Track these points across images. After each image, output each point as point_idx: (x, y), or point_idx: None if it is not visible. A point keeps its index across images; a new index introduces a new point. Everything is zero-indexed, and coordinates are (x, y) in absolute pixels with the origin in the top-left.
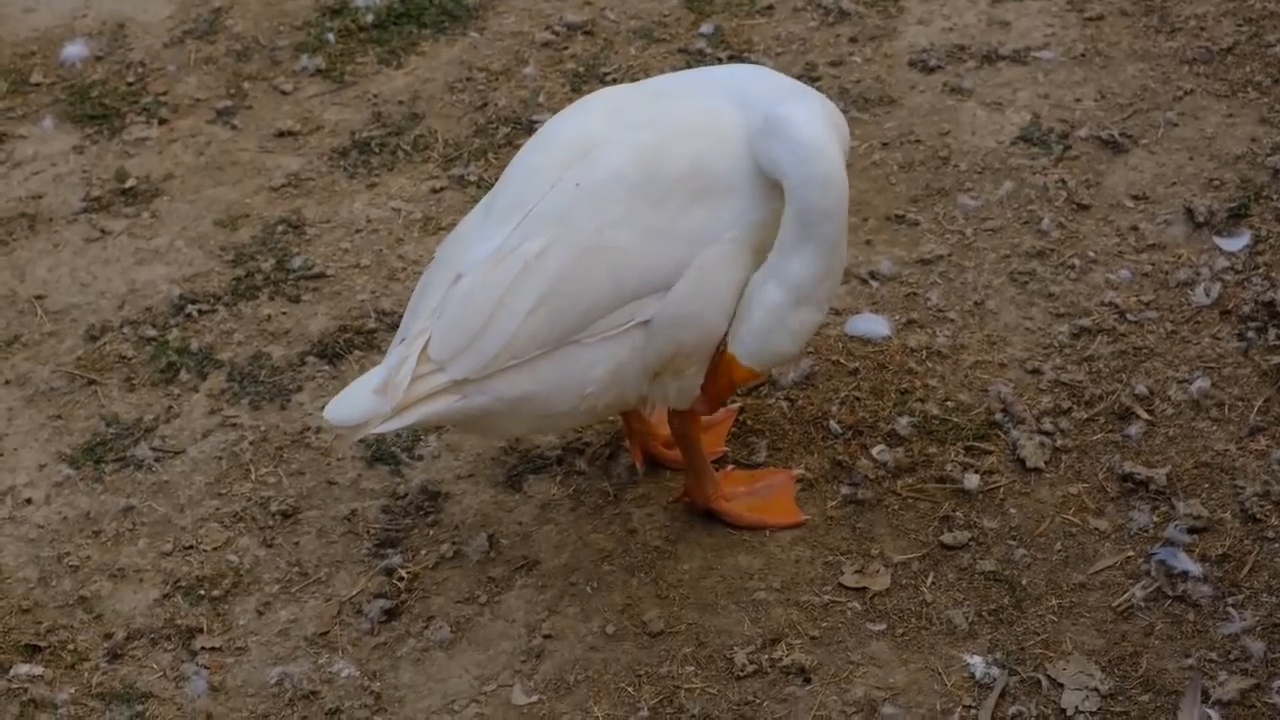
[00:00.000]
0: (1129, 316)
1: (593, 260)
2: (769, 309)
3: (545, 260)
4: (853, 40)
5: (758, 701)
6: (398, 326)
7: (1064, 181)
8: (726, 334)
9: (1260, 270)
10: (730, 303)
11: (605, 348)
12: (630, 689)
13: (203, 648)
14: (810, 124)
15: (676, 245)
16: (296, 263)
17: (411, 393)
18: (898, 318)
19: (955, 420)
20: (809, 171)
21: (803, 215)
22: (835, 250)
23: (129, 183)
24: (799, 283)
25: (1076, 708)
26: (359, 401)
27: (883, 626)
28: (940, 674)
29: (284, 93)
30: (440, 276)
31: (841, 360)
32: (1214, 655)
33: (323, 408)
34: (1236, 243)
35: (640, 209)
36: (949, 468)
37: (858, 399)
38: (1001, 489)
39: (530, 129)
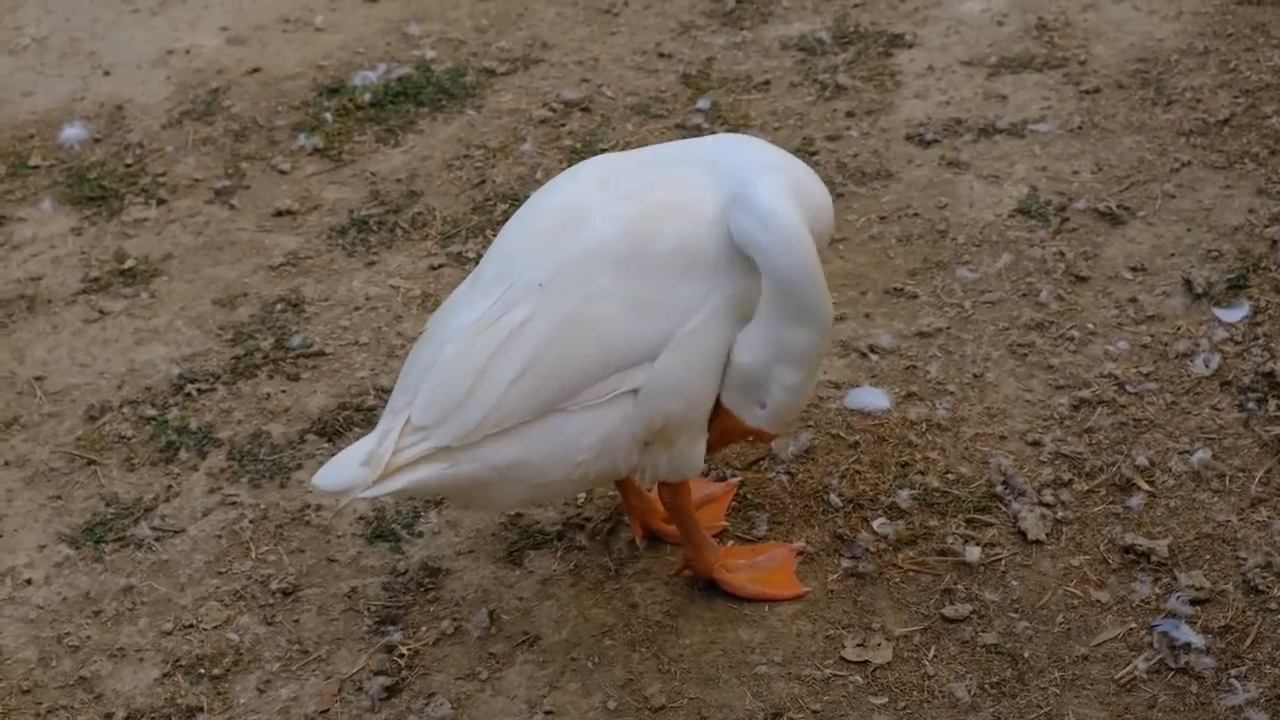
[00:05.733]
0: (1129, 388)
1: (578, 329)
2: (794, 390)
3: (529, 328)
4: (849, 114)
5: None
6: None
7: (1062, 253)
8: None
9: (1260, 341)
10: (714, 372)
11: (595, 416)
12: None
13: None
14: (772, 194)
15: (666, 317)
16: (295, 341)
17: (396, 460)
18: (897, 390)
19: (956, 493)
20: (772, 237)
21: (781, 285)
22: (822, 314)
23: (128, 263)
24: (807, 355)
25: None
26: (346, 469)
27: (885, 700)
28: None
29: (282, 172)
30: (427, 347)
31: (841, 434)
32: None
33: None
34: (1235, 314)
35: (628, 280)
36: (950, 540)
37: (858, 472)
38: (1003, 561)
39: None
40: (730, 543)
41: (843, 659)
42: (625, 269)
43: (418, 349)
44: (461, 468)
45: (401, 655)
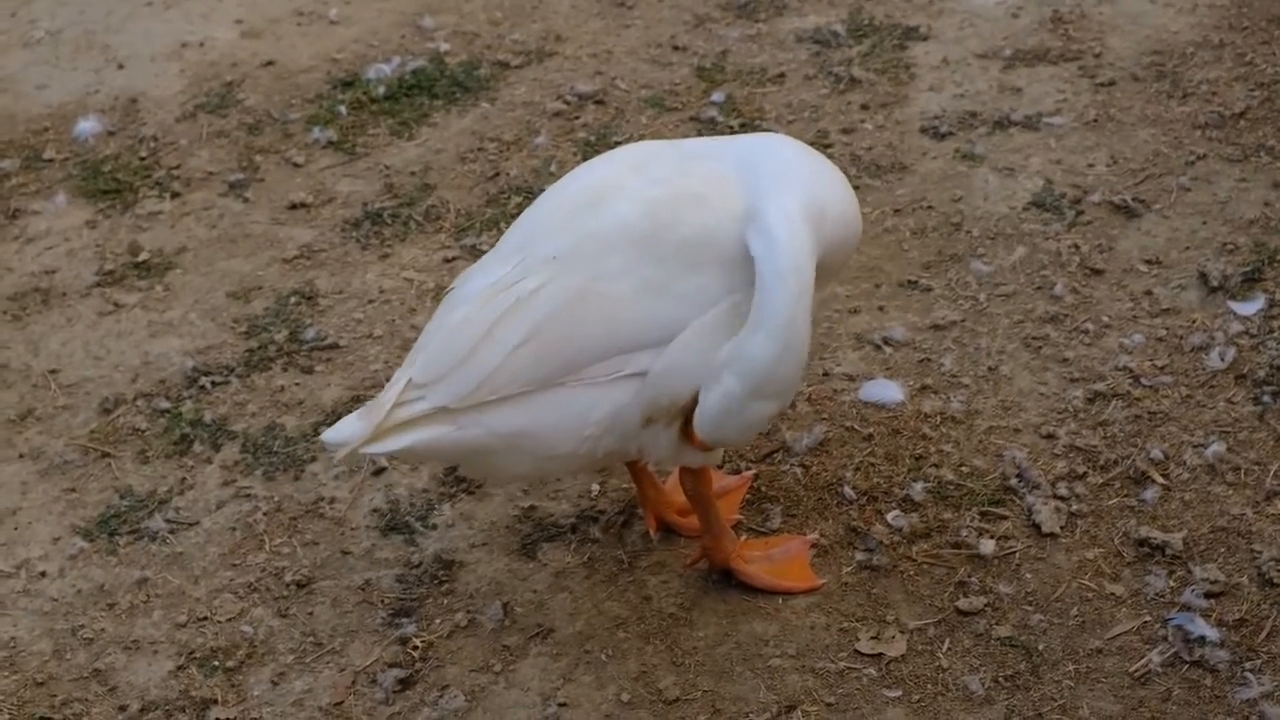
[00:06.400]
0: (1143, 381)
1: (587, 304)
2: (725, 398)
3: (538, 297)
4: (864, 107)
5: None
6: None
7: (1077, 246)
8: None
9: (1275, 334)
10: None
11: (603, 391)
12: None
13: (217, 719)
14: (779, 212)
15: (674, 304)
16: (309, 334)
17: (395, 416)
18: (911, 383)
19: (970, 485)
20: (774, 264)
21: (759, 285)
22: (786, 337)
23: (142, 256)
24: (753, 371)
25: None
26: (352, 426)
27: (899, 693)
28: None
29: (296, 165)
30: (442, 312)
31: (855, 426)
32: None
33: (336, 476)
34: (1251, 307)
35: (641, 263)
36: (964, 533)
37: (872, 465)
38: (1017, 554)
39: None
40: (744, 536)
41: (856, 652)
42: (640, 252)
43: (434, 315)
44: (466, 432)
45: (415, 648)
